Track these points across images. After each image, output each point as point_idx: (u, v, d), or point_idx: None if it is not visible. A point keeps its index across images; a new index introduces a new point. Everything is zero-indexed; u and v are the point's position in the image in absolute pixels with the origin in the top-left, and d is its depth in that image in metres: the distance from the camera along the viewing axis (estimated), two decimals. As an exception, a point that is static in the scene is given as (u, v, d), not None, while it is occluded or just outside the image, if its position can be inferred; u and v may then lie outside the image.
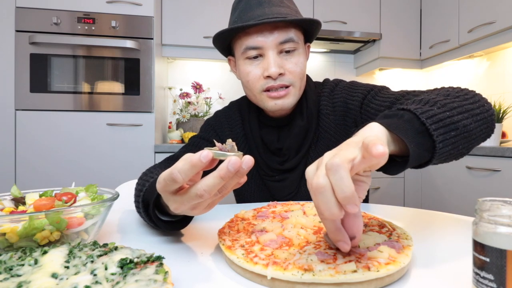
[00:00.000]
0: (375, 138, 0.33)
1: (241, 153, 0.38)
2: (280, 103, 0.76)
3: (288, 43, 0.74)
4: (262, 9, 0.73)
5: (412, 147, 0.42)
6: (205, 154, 0.36)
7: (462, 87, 0.60)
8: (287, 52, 0.75)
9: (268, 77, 0.74)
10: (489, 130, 0.56)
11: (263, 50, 0.74)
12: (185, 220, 0.53)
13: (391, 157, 0.46)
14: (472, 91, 0.58)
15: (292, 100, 0.78)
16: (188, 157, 0.37)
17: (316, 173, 0.35)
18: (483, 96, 0.58)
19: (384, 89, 0.78)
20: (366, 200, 0.95)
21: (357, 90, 0.81)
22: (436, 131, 0.45)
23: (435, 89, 0.63)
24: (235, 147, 0.40)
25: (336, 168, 0.32)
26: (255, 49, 0.74)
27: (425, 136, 0.45)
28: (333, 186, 0.32)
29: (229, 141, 0.40)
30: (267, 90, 0.76)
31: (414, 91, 0.70)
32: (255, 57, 0.75)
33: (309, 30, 0.81)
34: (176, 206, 0.41)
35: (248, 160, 0.37)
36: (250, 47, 0.74)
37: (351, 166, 0.34)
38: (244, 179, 0.39)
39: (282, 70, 0.74)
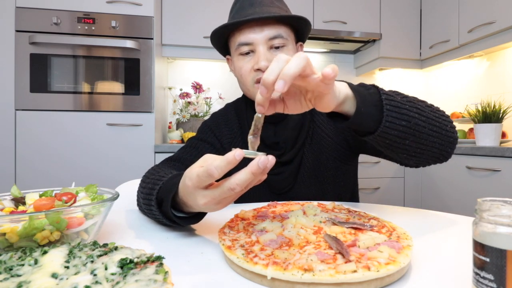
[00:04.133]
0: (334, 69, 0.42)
1: (265, 153, 0.43)
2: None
3: (277, 39, 0.79)
4: (253, 9, 0.79)
5: (362, 110, 0.52)
6: (239, 153, 0.41)
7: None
8: (277, 48, 0.80)
9: (258, 70, 0.79)
10: (444, 147, 0.62)
11: (254, 45, 0.79)
12: (198, 216, 0.55)
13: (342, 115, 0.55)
14: (447, 115, 0.65)
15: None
16: (217, 156, 0.44)
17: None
18: (454, 124, 0.66)
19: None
20: (356, 200, 0.98)
21: None
22: (388, 111, 0.53)
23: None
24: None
25: (299, 56, 0.41)
26: (247, 45, 0.80)
27: (378, 110, 0.54)
28: (287, 62, 0.41)
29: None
30: (258, 82, 0.80)
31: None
32: (247, 53, 0.81)
33: (299, 28, 0.85)
34: (206, 201, 0.45)
35: (272, 159, 0.42)
36: (242, 43, 0.80)
37: (309, 69, 0.43)
38: (265, 176, 0.44)
39: None
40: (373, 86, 0.57)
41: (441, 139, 0.61)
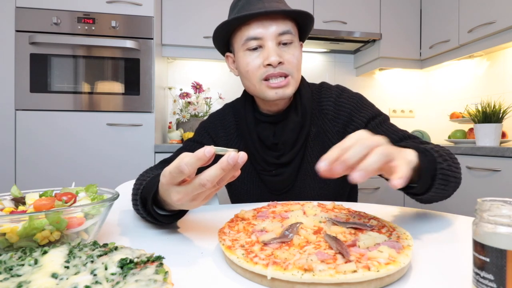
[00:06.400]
0: (407, 170, 0.43)
1: (237, 149, 0.44)
2: (281, 92, 0.80)
3: (286, 35, 0.78)
4: (262, 4, 0.78)
5: (420, 182, 0.56)
6: (209, 149, 0.42)
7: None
8: (284, 44, 0.79)
9: (268, 65, 0.78)
10: (453, 192, 0.68)
11: (263, 40, 0.78)
12: (180, 213, 0.58)
13: None
14: (457, 160, 0.69)
15: (291, 90, 0.81)
16: (189, 153, 0.44)
17: (375, 137, 0.44)
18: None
19: (387, 120, 0.86)
20: (354, 199, 0.98)
21: (365, 109, 0.87)
22: (437, 181, 0.58)
23: (434, 145, 0.72)
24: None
25: (382, 153, 0.41)
26: (255, 40, 0.78)
27: (431, 178, 0.58)
28: (369, 154, 0.41)
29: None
30: (267, 79, 0.79)
31: (415, 137, 0.80)
32: (255, 49, 0.79)
33: (303, 26, 0.84)
34: (179, 197, 0.46)
35: (243, 155, 0.43)
36: (251, 38, 0.78)
37: (385, 161, 0.42)
38: (238, 172, 0.45)
39: (282, 59, 0.78)
40: (428, 151, 0.59)
41: (456, 186, 0.65)
